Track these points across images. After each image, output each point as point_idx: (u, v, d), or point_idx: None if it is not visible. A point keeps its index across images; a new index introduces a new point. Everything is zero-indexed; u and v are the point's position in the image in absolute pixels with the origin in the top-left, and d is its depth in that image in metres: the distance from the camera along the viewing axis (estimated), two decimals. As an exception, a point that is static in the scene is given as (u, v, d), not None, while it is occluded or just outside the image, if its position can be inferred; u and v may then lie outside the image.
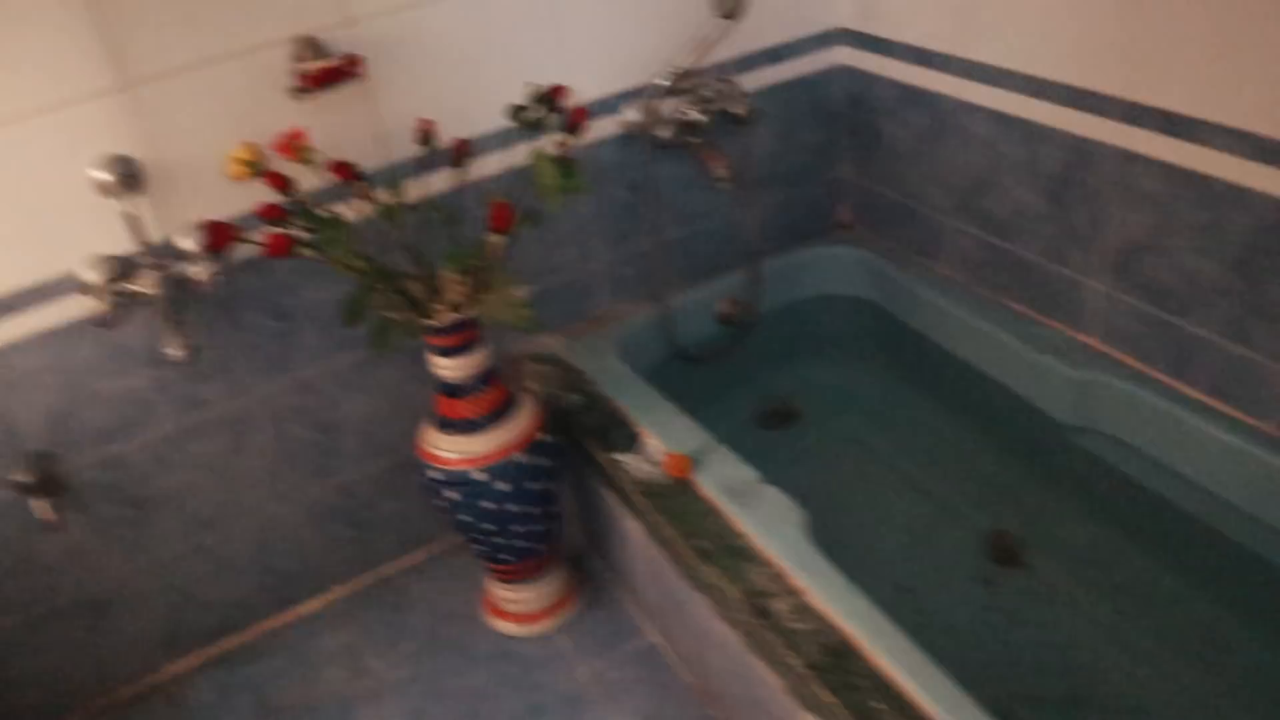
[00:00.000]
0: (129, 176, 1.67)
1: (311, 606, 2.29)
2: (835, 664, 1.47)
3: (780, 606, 1.57)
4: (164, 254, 1.75)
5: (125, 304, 1.70)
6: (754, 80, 2.24)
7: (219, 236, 1.58)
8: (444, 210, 1.79)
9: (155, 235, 1.76)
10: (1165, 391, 1.86)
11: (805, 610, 1.56)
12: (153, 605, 2.11)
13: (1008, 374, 2.12)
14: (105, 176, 1.66)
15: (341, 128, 1.85)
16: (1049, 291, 2.06)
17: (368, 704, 2.07)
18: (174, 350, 1.67)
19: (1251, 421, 1.76)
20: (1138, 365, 1.93)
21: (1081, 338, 2.02)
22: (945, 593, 2.01)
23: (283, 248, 1.56)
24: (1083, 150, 1.85)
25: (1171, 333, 1.84)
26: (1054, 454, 2.09)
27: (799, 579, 1.60)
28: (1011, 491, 2.17)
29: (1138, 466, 1.93)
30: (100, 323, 1.64)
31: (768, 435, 2.43)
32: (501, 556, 2.02)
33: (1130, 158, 1.77)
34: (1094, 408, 1.96)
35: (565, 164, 1.72)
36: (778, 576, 1.62)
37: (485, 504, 1.88)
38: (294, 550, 2.21)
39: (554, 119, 1.80)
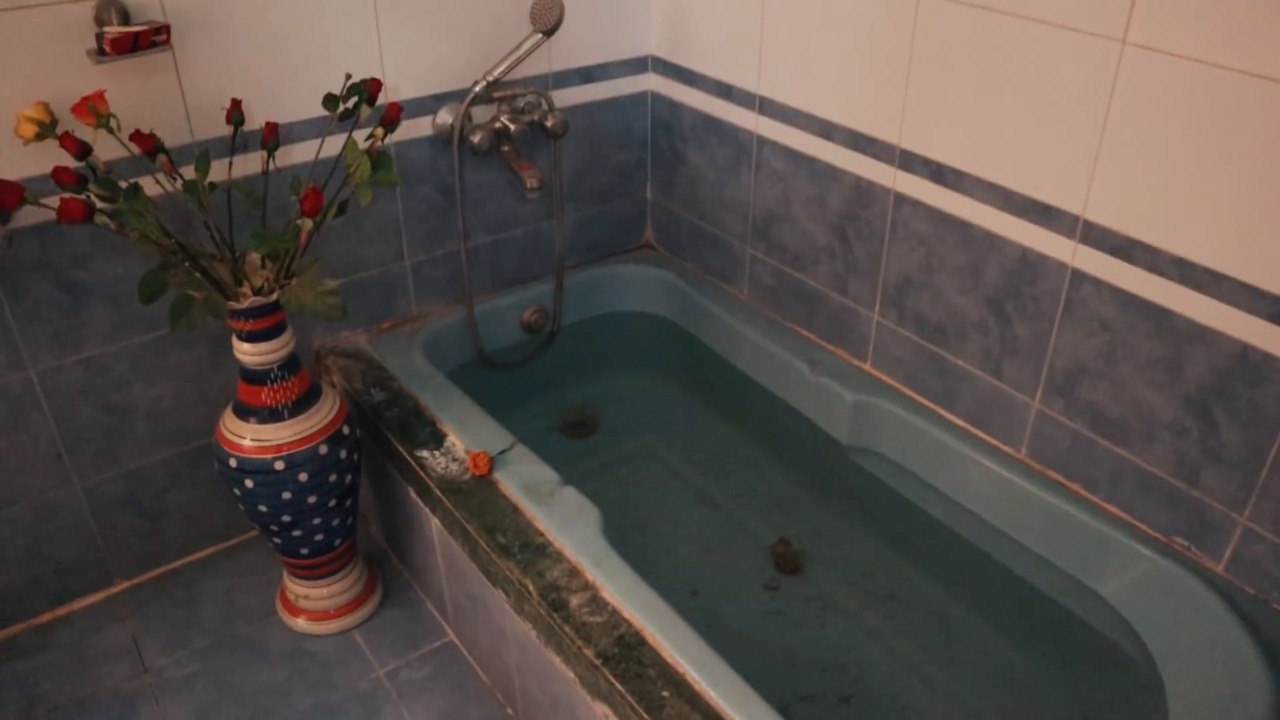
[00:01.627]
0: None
1: (92, 600, 2.06)
2: (626, 654, 1.42)
3: (575, 601, 1.51)
4: (-57, 215, 1.54)
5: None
6: (567, 97, 2.20)
7: (7, 195, 1.40)
8: (251, 194, 1.65)
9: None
10: (932, 418, 1.91)
11: (599, 604, 1.51)
12: (-90, 595, 1.85)
13: (794, 396, 2.13)
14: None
15: (146, 99, 1.69)
16: (833, 320, 2.08)
17: (151, 702, 1.87)
18: (-52, 316, 1.46)
19: (1004, 448, 1.82)
20: (909, 393, 1.97)
21: (861, 364, 2.05)
22: (732, 597, 1.99)
23: (77, 213, 1.40)
24: (864, 190, 1.89)
25: (937, 364, 1.88)
26: (835, 472, 2.10)
27: (593, 575, 1.55)
28: (795, 505, 2.18)
29: (907, 485, 1.97)
30: None
31: (568, 444, 2.36)
32: (299, 550, 1.86)
33: (903, 200, 1.81)
34: (870, 430, 1.99)
35: (377, 157, 1.61)
36: (574, 572, 1.56)
37: (284, 494, 1.73)
38: (75, 540, 1.98)
39: (368, 112, 1.69)
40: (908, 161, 1.77)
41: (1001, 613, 1.87)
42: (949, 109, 1.67)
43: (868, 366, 2.04)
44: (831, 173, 1.93)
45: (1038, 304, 1.65)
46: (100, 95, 1.49)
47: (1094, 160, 1.48)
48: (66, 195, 1.43)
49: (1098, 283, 1.54)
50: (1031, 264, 1.63)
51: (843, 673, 1.82)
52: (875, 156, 1.83)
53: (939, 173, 1.72)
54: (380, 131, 1.67)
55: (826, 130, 1.91)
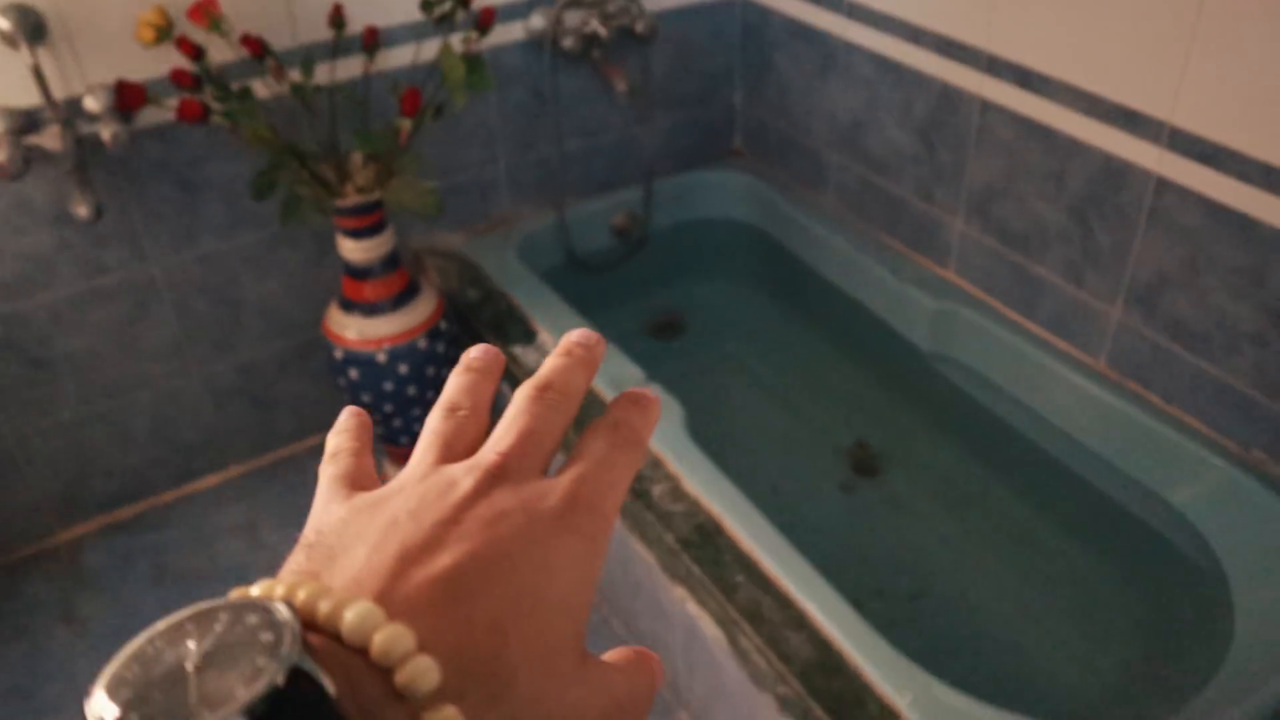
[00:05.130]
0: (32, 27, 1.56)
1: (210, 482, 2.21)
2: (704, 541, 1.49)
3: (657, 490, 1.58)
4: (71, 112, 1.64)
5: (29, 158, 1.58)
6: (656, 2, 2.20)
7: (130, 97, 1.48)
8: (354, 95, 1.71)
9: (63, 92, 1.65)
10: (1012, 326, 1.91)
11: (679, 494, 1.57)
12: (51, 468, 2.01)
13: (876, 302, 2.14)
14: (5, 24, 1.53)
15: (253, 3, 1.75)
16: (917, 227, 2.08)
17: (264, 574, 1.98)
18: (79, 209, 1.57)
19: (1083, 357, 1.81)
20: (990, 300, 1.97)
21: (943, 272, 2.05)
22: (809, 496, 2.04)
23: (195, 112, 1.48)
24: (949, 96, 1.87)
25: (1019, 272, 1.88)
26: (914, 377, 2.13)
27: (675, 466, 1.61)
28: (874, 410, 2.21)
29: (985, 392, 1.99)
30: (2, 174, 1.52)
31: (654, 345, 2.42)
32: (399, 438, 1.97)
33: (989, 106, 1.79)
34: (950, 337, 2.00)
35: (472, 60, 1.65)
36: (656, 464, 1.62)
37: (385, 385, 1.83)
38: (195, 425, 2.12)
39: (463, 16, 1.73)
40: (995, 67, 1.75)
41: (1073, 519, 1.89)
42: (1037, 11, 1.64)
43: (950, 274, 2.04)
44: (918, 79, 1.92)
45: (1121, 212, 1.63)
46: (215, 0, 1.56)
47: (1183, 64, 1.45)
48: (185, 96, 1.51)
49: (1183, 191, 1.52)
50: (1115, 171, 1.61)
51: (914, 572, 1.87)
52: (962, 62, 1.81)
53: (1025, 78, 1.70)
54: (475, 35, 1.71)
55: (914, 35, 1.89)
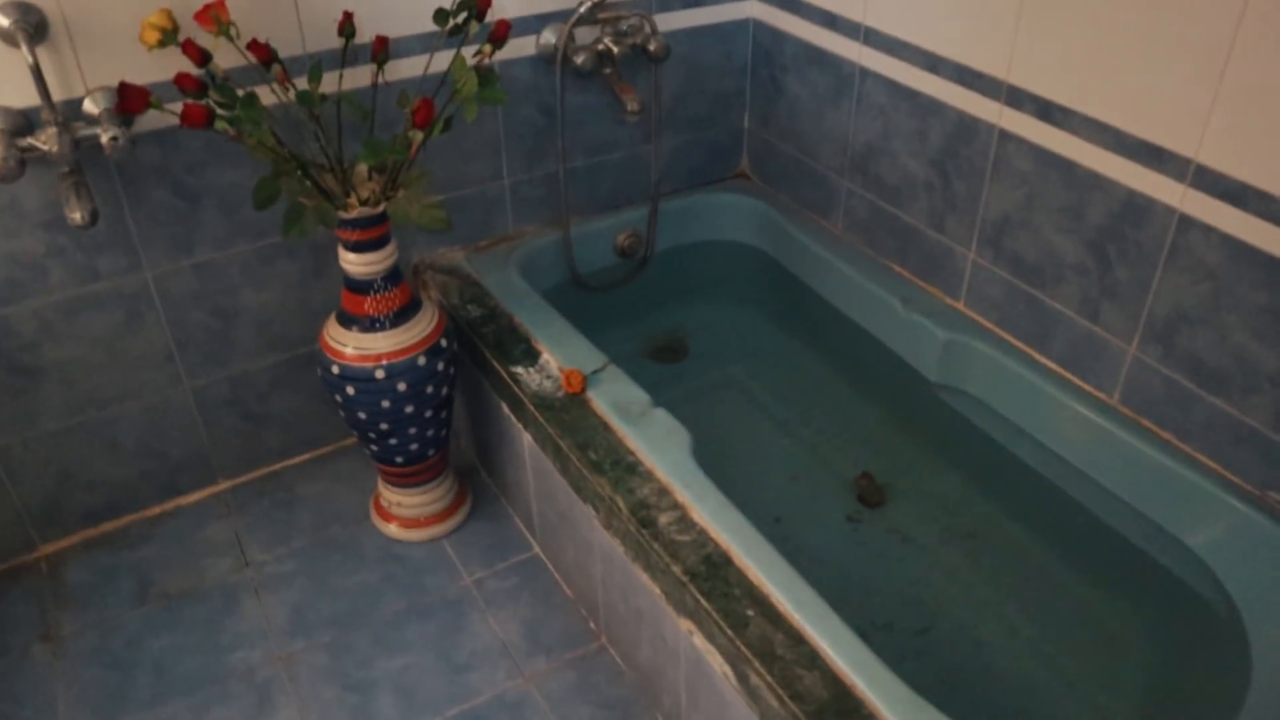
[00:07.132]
0: (34, 26, 1.52)
1: (198, 496, 2.17)
2: (712, 573, 1.45)
3: (664, 519, 1.54)
4: (69, 114, 1.61)
5: (24, 159, 1.53)
6: (669, 22, 2.19)
7: (133, 100, 1.45)
8: (360, 106, 1.68)
9: (62, 94, 1.62)
10: (1024, 359, 1.89)
11: (687, 524, 1.54)
12: (34, 480, 1.96)
13: (885, 331, 2.12)
14: (4, 21, 1.50)
15: (262, 9, 1.73)
16: (928, 257, 2.06)
17: (251, 595, 1.96)
18: (74, 214, 1.52)
19: (1096, 393, 1.79)
20: (1001, 333, 1.95)
21: (954, 303, 2.03)
22: (814, 527, 2.01)
23: (199, 118, 1.44)
24: (967, 126, 1.85)
25: (1032, 304, 1.86)
26: (922, 409, 2.10)
27: (682, 495, 1.58)
28: (881, 440, 2.19)
29: (994, 425, 1.97)
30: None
31: (657, 368, 2.39)
32: (394, 458, 1.93)
33: (1007, 137, 1.78)
34: (960, 369, 1.98)
35: (484, 73, 1.62)
36: (663, 491, 1.59)
37: (383, 403, 1.79)
38: (183, 438, 2.07)
39: (476, 28, 1.70)
40: (1014, 97, 1.74)
41: (1084, 557, 1.87)
42: (1061, 43, 1.63)
43: (960, 305, 2.02)
44: (935, 107, 1.90)
45: (1141, 248, 1.62)
46: (221, 3, 1.53)
47: (1211, 101, 1.44)
48: (189, 100, 1.47)
49: (1206, 229, 1.51)
50: (1137, 207, 1.60)
51: (921, 606, 1.84)
52: (981, 91, 1.80)
53: (1046, 110, 1.68)
54: (488, 48, 1.68)
55: (932, 63, 1.87)
